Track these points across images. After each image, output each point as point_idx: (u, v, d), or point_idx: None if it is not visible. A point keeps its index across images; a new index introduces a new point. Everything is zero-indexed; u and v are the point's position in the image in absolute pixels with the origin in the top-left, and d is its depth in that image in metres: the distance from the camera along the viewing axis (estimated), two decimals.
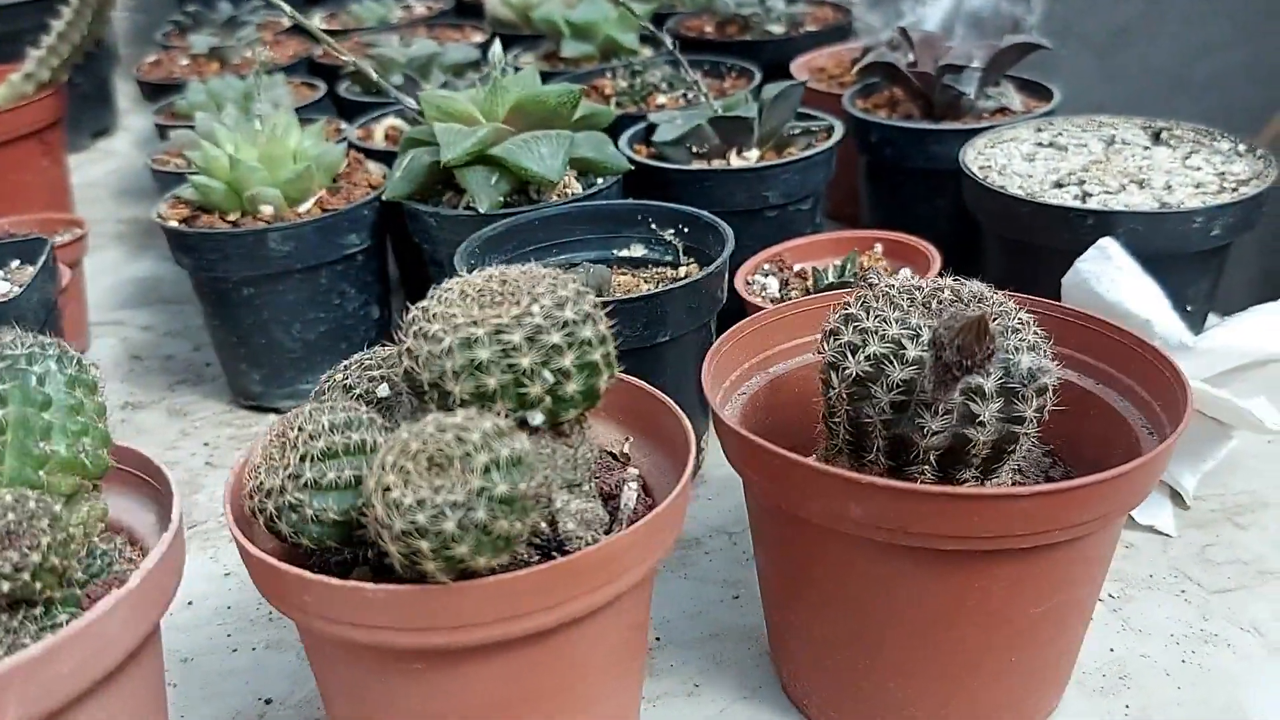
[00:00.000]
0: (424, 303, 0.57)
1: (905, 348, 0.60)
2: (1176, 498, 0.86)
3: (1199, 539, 0.84)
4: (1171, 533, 0.84)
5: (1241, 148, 1.01)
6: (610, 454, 0.67)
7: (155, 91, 1.58)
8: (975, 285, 0.64)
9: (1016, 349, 0.60)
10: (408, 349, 0.55)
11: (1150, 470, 0.59)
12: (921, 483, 0.61)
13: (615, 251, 0.96)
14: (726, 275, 0.90)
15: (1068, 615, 0.64)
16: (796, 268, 1.01)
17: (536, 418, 0.55)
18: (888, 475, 0.62)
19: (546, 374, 0.54)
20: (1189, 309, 0.92)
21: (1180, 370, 0.65)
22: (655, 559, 0.57)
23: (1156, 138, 1.05)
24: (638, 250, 0.96)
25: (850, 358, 0.62)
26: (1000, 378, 0.59)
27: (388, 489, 0.49)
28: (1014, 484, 0.65)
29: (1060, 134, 1.08)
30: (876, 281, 0.66)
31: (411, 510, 0.48)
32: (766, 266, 1.01)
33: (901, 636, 0.61)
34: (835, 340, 0.63)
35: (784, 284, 0.98)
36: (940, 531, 0.56)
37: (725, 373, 0.70)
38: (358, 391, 0.61)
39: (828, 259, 1.00)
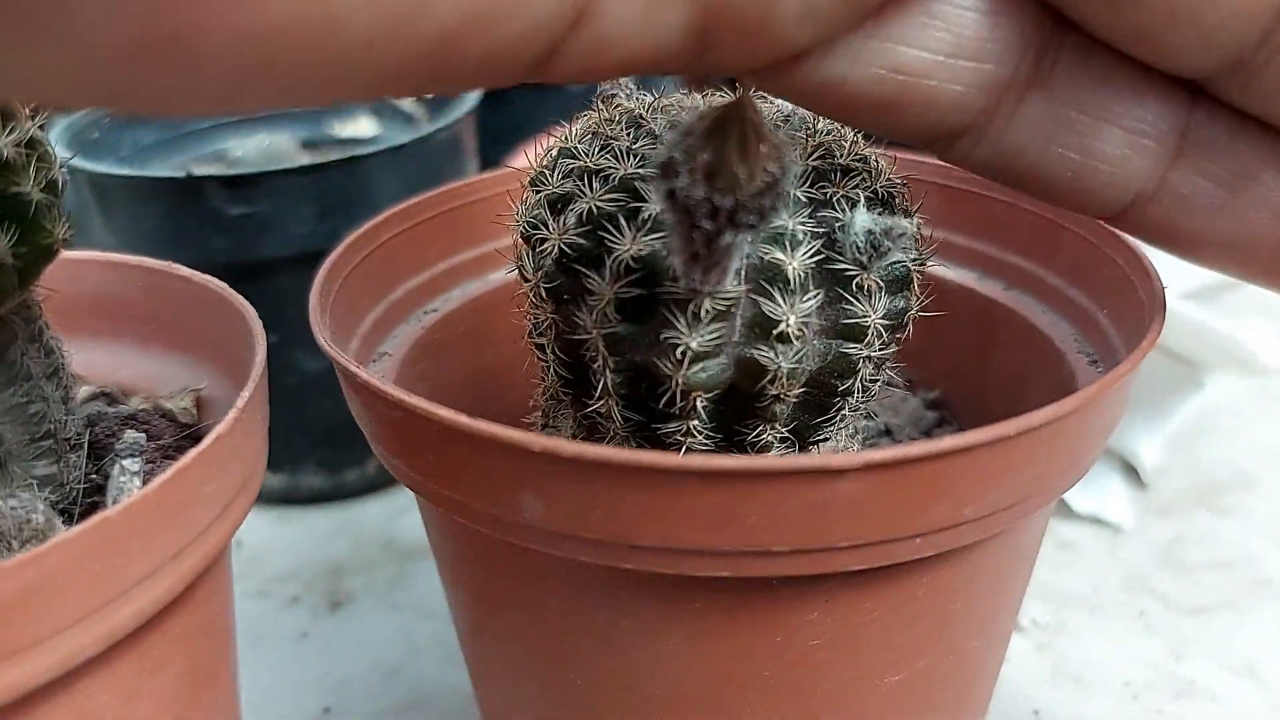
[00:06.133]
0: None
1: (645, 198, 0.32)
2: (1130, 473, 0.60)
3: (1164, 531, 0.58)
4: (1125, 524, 0.57)
5: None
6: (161, 413, 0.38)
7: None
8: (790, 106, 0.37)
9: (845, 200, 0.32)
10: None
11: (1091, 419, 0.32)
12: (687, 449, 0.33)
13: (330, 129, 0.67)
14: (472, 146, 0.61)
15: (954, 678, 0.36)
16: None
17: None
18: (628, 437, 0.34)
19: None
20: None
21: (1143, 254, 0.38)
22: (151, 596, 0.29)
23: None
24: (366, 127, 0.67)
25: (551, 223, 0.34)
26: (816, 250, 0.31)
27: None
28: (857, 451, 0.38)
29: None
30: (620, 96, 0.37)
31: None
32: None
33: None
34: (534, 194, 0.35)
35: None
36: (688, 544, 0.28)
37: (375, 287, 0.41)
38: None
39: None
